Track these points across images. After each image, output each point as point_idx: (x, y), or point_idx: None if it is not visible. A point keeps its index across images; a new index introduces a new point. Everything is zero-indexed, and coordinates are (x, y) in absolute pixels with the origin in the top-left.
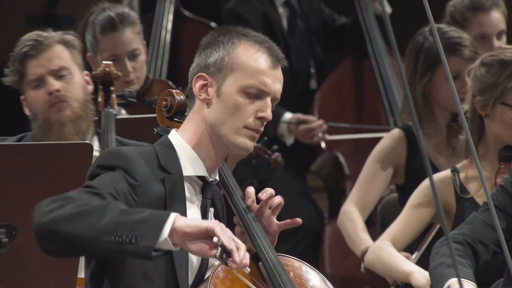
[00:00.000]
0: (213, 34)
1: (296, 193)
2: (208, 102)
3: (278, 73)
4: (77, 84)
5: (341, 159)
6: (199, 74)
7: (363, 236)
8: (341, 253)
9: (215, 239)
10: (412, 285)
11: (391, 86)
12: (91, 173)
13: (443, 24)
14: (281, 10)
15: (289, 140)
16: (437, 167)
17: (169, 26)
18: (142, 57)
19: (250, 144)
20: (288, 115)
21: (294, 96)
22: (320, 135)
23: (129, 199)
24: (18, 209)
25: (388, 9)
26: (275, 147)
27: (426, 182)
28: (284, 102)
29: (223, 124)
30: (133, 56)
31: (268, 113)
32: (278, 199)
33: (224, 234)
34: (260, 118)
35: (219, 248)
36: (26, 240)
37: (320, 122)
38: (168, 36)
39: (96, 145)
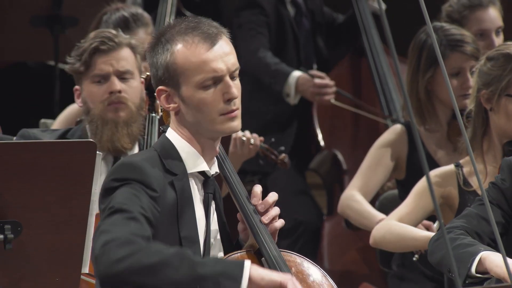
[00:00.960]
0: (150, 45)
1: (296, 190)
2: (178, 110)
3: (222, 49)
4: (136, 89)
5: (340, 156)
6: (158, 88)
7: (374, 211)
8: (339, 249)
9: None
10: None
11: (388, 84)
12: (106, 187)
13: (444, 23)
14: (288, 8)
15: (294, 100)
16: (436, 162)
17: None
18: None
19: (234, 125)
20: (296, 73)
21: None
22: (330, 95)
23: (155, 212)
24: (23, 206)
25: (383, 6)
26: (282, 148)
27: (433, 172)
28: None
29: (200, 122)
30: (145, 56)
31: (232, 92)
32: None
33: None
34: (228, 100)
35: None
36: (30, 236)
37: (332, 82)
38: None
39: (136, 149)
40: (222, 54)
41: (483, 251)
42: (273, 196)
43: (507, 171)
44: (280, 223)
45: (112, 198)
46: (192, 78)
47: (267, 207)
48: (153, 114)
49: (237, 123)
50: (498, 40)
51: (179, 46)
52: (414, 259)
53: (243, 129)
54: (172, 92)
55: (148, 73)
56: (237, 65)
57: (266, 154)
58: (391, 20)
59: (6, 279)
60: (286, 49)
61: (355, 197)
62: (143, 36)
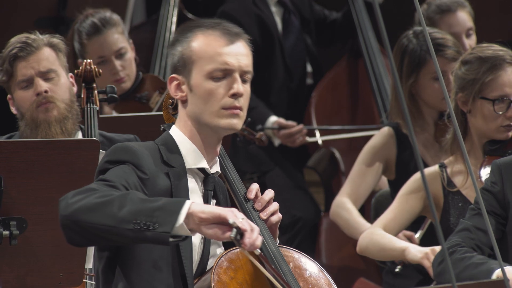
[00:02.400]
0: (174, 37)
1: (294, 187)
2: (185, 99)
3: (238, 48)
4: (63, 86)
5: (337, 154)
6: (170, 76)
7: (362, 221)
8: (336, 244)
9: (230, 220)
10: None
11: (384, 83)
12: (100, 168)
13: (427, 26)
14: (274, 9)
15: (276, 141)
16: (426, 163)
17: (173, 27)
18: (129, 54)
19: (234, 122)
20: (272, 119)
21: (291, 92)
22: (301, 138)
23: (140, 192)
24: (29, 202)
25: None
26: (259, 126)
27: (417, 175)
28: (281, 97)
29: (203, 113)
30: (120, 55)
31: (238, 88)
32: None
33: (237, 218)
34: (233, 95)
35: (234, 230)
36: (36, 232)
37: (300, 127)
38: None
39: (79, 136)
40: (237, 52)
41: (496, 268)
42: (269, 194)
43: (497, 174)
44: (276, 217)
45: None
46: (204, 66)
47: (264, 204)
48: (93, 106)
49: (237, 121)
50: (469, 41)
51: (199, 36)
52: (397, 270)
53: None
54: (183, 80)
55: (84, 66)
56: (250, 68)
57: (243, 134)
58: (387, 21)
59: (12, 274)
60: (273, 57)
61: (345, 205)
62: (114, 36)
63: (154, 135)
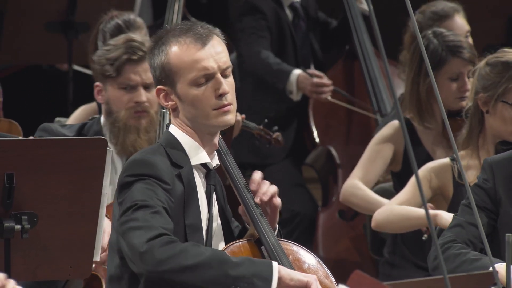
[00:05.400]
0: (148, 50)
1: (293, 183)
2: (176, 107)
3: (213, 48)
4: (155, 97)
5: (334, 152)
6: (157, 88)
7: (379, 197)
8: (333, 238)
9: None
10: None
11: (378, 86)
12: (122, 183)
13: (442, 29)
14: (287, 11)
15: (297, 96)
16: (434, 159)
17: None
18: None
19: (228, 118)
20: (296, 71)
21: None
22: (327, 94)
23: (170, 203)
24: (39, 198)
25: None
26: (275, 127)
27: (429, 165)
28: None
29: (196, 117)
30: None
31: (223, 88)
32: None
33: None
34: (220, 95)
35: None
36: (46, 226)
37: (330, 81)
38: None
39: None
40: (213, 53)
41: (495, 263)
42: (264, 187)
43: (488, 171)
44: (278, 200)
45: (130, 193)
46: (186, 76)
47: (265, 189)
48: (163, 110)
49: (231, 117)
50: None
51: (173, 47)
52: (424, 238)
53: None
54: (169, 90)
55: None
56: (228, 63)
57: (260, 134)
58: (381, 25)
59: (23, 267)
60: (285, 50)
61: (358, 186)
62: None
63: None
